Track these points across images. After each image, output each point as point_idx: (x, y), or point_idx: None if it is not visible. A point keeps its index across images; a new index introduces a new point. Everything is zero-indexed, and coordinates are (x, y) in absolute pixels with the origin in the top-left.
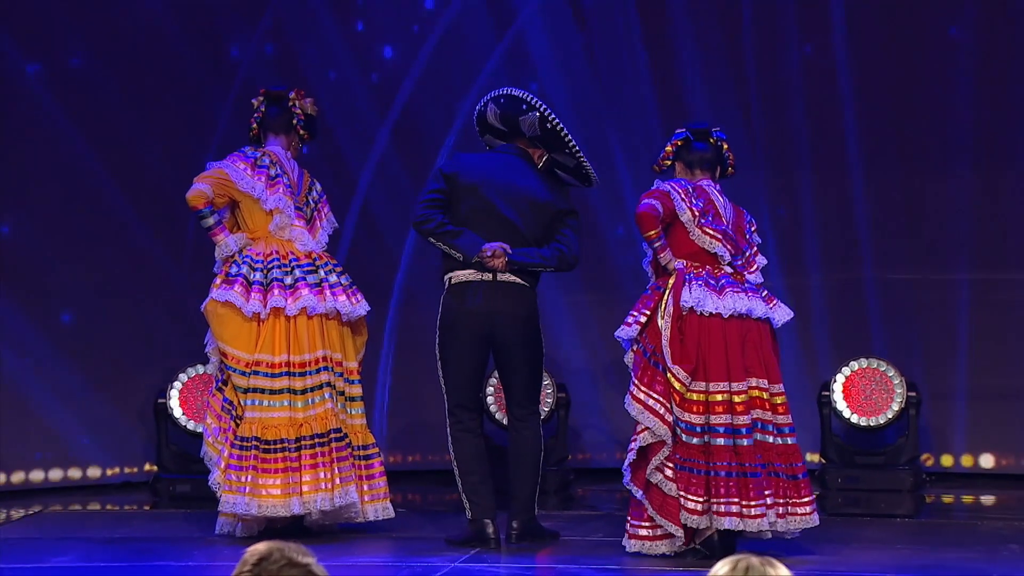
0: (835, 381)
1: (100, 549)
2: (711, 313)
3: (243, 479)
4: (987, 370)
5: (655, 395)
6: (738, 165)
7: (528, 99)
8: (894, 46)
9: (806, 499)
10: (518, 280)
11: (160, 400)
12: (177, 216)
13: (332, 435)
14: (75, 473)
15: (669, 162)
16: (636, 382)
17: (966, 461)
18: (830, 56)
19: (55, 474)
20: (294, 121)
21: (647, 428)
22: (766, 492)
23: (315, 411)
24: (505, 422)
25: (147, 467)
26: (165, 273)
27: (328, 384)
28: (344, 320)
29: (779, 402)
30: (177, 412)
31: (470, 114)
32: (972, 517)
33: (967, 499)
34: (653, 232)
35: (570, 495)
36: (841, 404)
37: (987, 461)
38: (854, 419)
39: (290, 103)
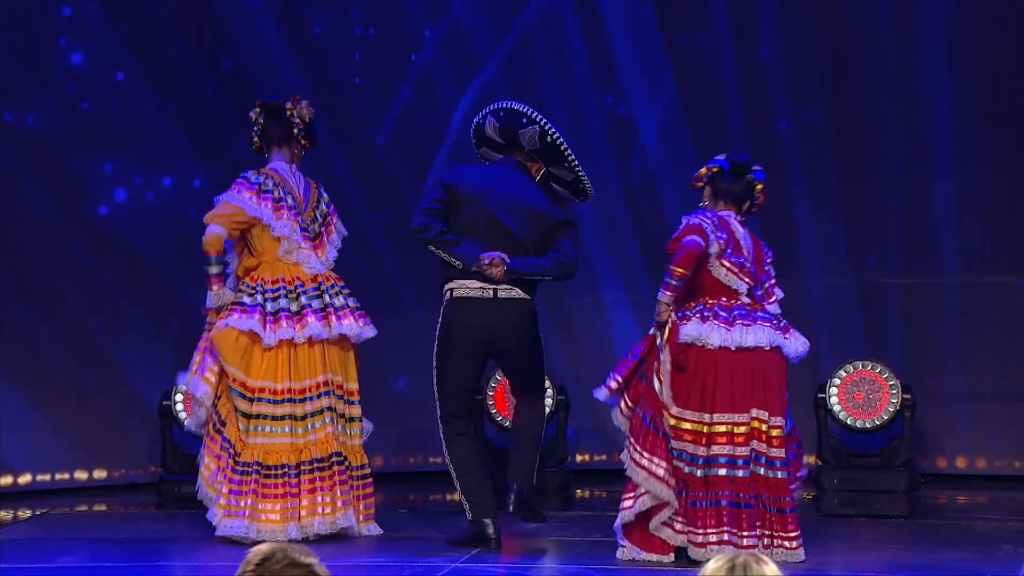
0: (831, 384)
1: (106, 549)
2: (719, 346)
3: (242, 503)
4: (980, 373)
5: (657, 459)
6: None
7: (528, 113)
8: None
9: (792, 533)
10: (519, 294)
11: (165, 403)
12: (186, 221)
13: (333, 459)
14: (81, 475)
15: (701, 184)
16: (637, 447)
17: (960, 462)
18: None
19: (61, 476)
20: (295, 131)
21: (647, 492)
22: (757, 523)
23: (315, 436)
24: (505, 424)
25: (152, 469)
26: (171, 276)
27: (330, 408)
28: (353, 342)
29: (775, 435)
30: (182, 415)
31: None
32: (966, 518)
33: (961, 500)
34: (686, 272)
35: (569, 496)
36: (837, 406)
37: (981, 462)
38: (850, 421)
39: (288, 113)
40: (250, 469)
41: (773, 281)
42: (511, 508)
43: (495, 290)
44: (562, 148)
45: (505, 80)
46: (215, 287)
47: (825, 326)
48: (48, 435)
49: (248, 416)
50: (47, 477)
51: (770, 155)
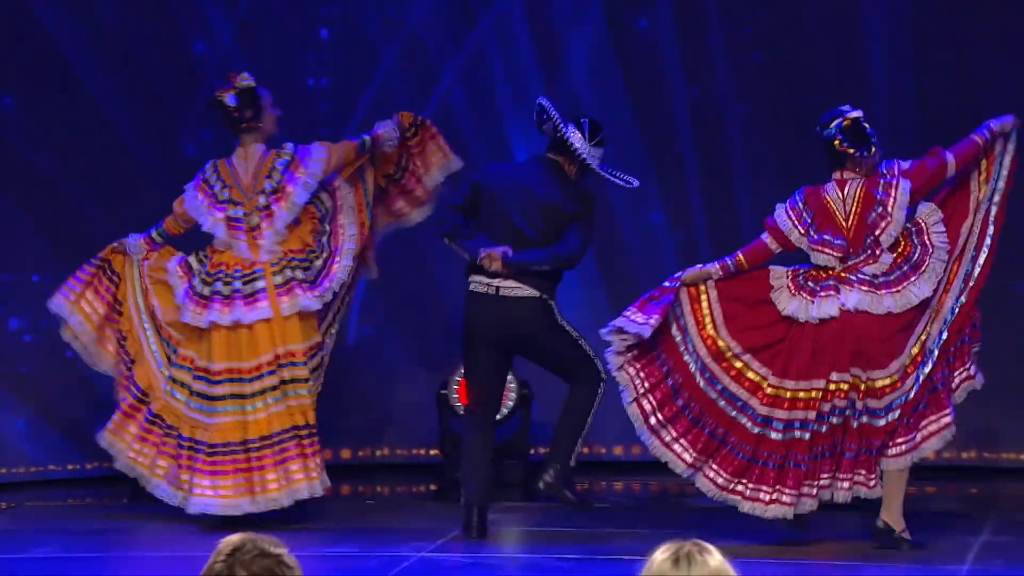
0: None
1: (80, 540)
2: (793, 316)
3: (184, 478)
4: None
5: (674, 432)
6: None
7: (548, 109)
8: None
9: (872, 475)
10: (524, 291)
11: None
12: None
13: (283, 434)
14: (55, 467)
15: None
16: (658, 414)
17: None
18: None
19: (35, 468)
20: (235, 118)
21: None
22: (807, 479)
23: (256, 416)
24: (462, 414)
25: None
26: None
27: (273, 388)
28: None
29: (878, 386)
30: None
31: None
32: (935, 507)
33: (930, 491)
34: (747, 266)
35: (532, 488)
36: None
37: (949, 452)
38: None
39: (219, 106)
40: (197, 446)
41: (880, 231)
42: (540, 486)
43: (497, 287)
44: (569, 146)
45: (463, 86)
46: (144, 243)
47: None
48: (20, 428)
49: (194, 393)
50: (21, 470)
51: (719, 161)
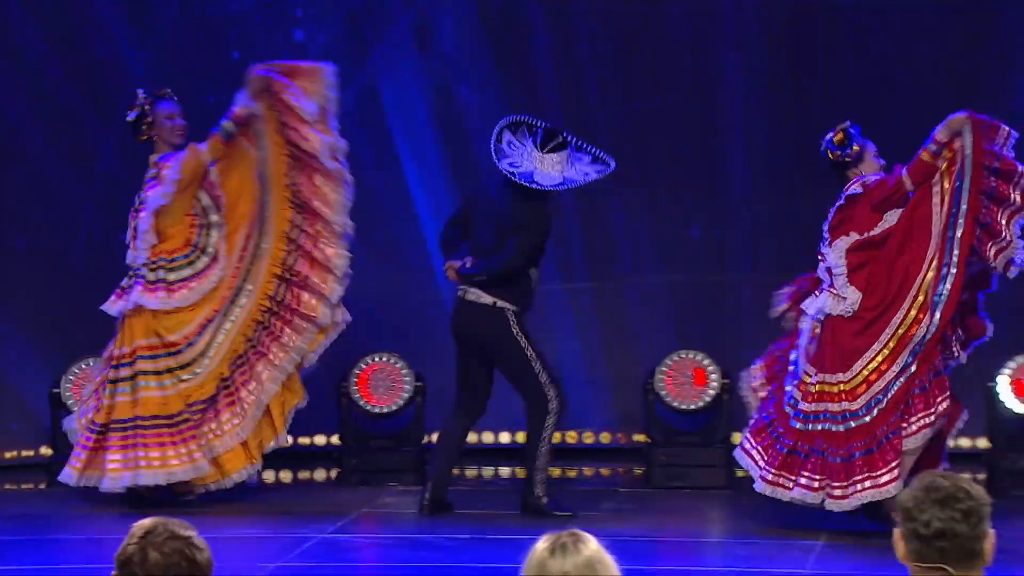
0: (659, 371)
1: None
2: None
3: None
4: None
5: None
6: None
7: (492, 136)
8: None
9: (843, 482)
10: (481, 299)
11: (55, 390)
12: (71, 212)
13: (117, 423)
14: None
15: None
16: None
17: None
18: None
19: None
20: (133, 133)
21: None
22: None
23: (111, 402)
24: (367, 408)
25: (43, 450)
26: (66, 262)
27: (129, 378)
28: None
29: (835, 391)
30: (70, 401)
31: None
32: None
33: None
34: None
35: (425, 473)
36: (663, 391)
37: None
38: (676, 404)
39: (127, 124)
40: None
41: (825, 239)
42: (529, 512)
43: (464, 291)
44: (500, 162)
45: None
46: None
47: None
48: None
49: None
50: None
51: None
